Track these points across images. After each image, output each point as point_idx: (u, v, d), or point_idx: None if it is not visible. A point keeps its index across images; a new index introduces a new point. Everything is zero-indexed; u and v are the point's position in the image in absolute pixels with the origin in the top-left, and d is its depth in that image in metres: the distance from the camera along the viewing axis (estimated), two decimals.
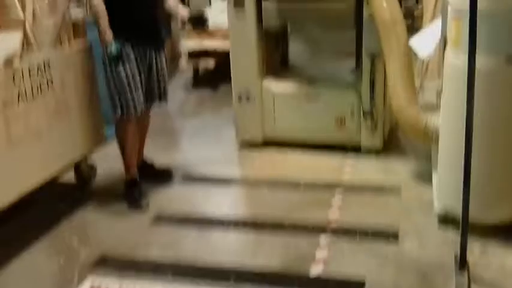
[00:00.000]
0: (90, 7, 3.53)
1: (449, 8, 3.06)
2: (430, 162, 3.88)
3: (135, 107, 3.66)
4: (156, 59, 3.77)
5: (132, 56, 3.60)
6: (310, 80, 4.55)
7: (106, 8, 3.50)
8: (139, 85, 3.66)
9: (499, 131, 2.98)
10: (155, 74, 3.80)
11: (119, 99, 3.62)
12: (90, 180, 4.09)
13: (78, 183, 4.05)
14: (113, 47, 3.49)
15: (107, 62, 3.56)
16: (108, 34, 3.50)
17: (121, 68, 3.56)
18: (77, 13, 4.08)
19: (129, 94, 3.61)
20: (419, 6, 7.54)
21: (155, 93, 3.86)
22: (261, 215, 3.59)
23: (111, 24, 3.52)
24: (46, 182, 3.51)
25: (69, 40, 3.69)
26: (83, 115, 3.79)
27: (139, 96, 3.68)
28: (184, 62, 6.74)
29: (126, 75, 3.59)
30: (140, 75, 3.67)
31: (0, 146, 3.10)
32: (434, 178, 3.53)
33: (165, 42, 4.02)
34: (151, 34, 3.74)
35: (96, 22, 3.52)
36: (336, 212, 3.57)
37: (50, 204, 3.79)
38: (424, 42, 3.86)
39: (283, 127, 4.52)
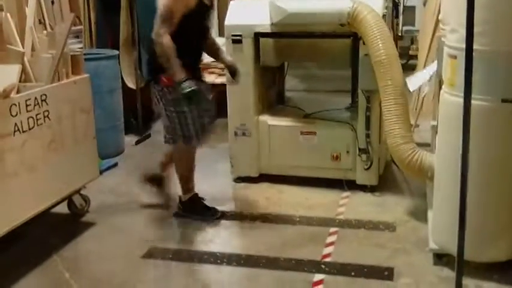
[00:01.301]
0: (159, 47, 3.51)
1: (444, 48, 3.10)
2: (425, 199, 3.89)
3: (197, 141, 3.82)
4: None
5: None
6: (306, 116, 4.58)
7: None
8: (201, 115, 3.77)
9: (494, 169, 2.99)
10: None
11: (183, 133, 3.75)
12: (83, 212, 4.07)
13: (71, 215, 4.02)
14: (187, 85, 3.49)
15: (182, 99, 3.58)
16: (180, 73, 3.51)
17: (186, 108, 3.66)
18: (75, 47, 4.13)
19: (192, 129, 3.74)
20: (415, 46, 7.66)
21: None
22: (255, 250, 3.56)
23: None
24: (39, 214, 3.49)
25: (67, 73, 3.71)
26: (79, 149, 3.79)
27: (202, 127, 3.82)
28: None
29: (190, 110, 3.69)
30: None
31: None
32: (430, 215, 3.53)
33: None
34: (199, 68, 3.91)
35: (166, 61, 3.51)
36: (330, 248, 3.55)
37: (41, 236, 3.75)
38: (417, 79, 3.92)
39: (279, 162, 4.52)
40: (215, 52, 4.02)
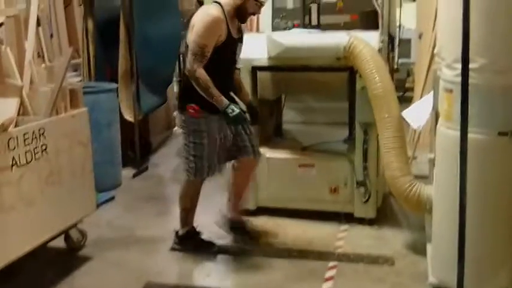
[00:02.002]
0: (195, 81, 3.59)
1: (440, 81, 3.12)
2: (424, 232, 3.86)
3: (208, 172, 3.83)
4: None
5: (215, 124, 3.73)
6: (303, 149, 4.59)
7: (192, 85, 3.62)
8: (216, 150, 3.80)
9: (492, 202, 2.99)
10: (242, 132, 3.91)
11: (195, 164, 3.77)
12: (80, 246, 4.03)
13: (68, 249, 3.98)
14: (234, 108, 3.61)
15: (231, 123, 3.70)
16: (222, 100, 3.61)
17: (205, 140, 3.72)
18: (74, 80, 4.15)
19: (205, 161, 3.76)
20: (411, 79, 7.71)
21: (248, 147, 3.94)
22: (253, 285, 3.53)
23: (198, 99, 3.63)
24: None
25: (65, 107, 3.72)
26: (76, 183, 3.78)
27: (215, 160, 3.83)
28: (179, 128, 6.79)
29: (209, 143, 3.73)
30: (221, 140, 3.80)
31: None
32: (429, 249, 3.50)
33: None
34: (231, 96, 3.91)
35: (205, 92, 3.60)
36: (329, 283, 3.51)
37: (38, 271, 3.71)
38: (417, 114, 3.93)
39: (277, 195, 4.51)
40: (238, 89, 4.05)
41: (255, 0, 3.70)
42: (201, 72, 3.56)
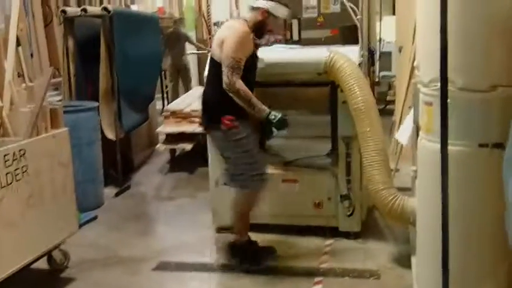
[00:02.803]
0: (236, 94, 3.66)
1: (420, 95, 3.14)
2: (409, 245, 3.87)
3: (266, 171, 3.93)
4: None
5: (250, 127, 3.81)
6: (286, 163, 4.58)
7: (225, 95, 3.68)
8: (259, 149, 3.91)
9: (474, 214, 2.99)
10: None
11: (255, 170, 3.82)
12: (63, 267, 3.98)
13: (51, 271, 3.93)
14: (275, 114, 3.73)
15: (270, 132, 3.84)
16: (264, 108, 3.74)
17: (250, 145, 3.79)
18: (54, 99, 4.12)
19: (260, 162, 3.86)
20: (392, 92, 7.77)
21: None
22: None
23: (233, 108, 3.69)
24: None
25: (46, 127, 3.69)
26: (57, 203, 3.74)
27: (263, 158, 3.94)
28: (161, 145, 6.78)
29: (254, 146, 3.83)
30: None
31: None
32: (413, 261, 3.51)
33: None
34: None
35: (247, 103, 3.69)
36: None
37: None
38: (404, 131, 3.97)
39: (260, 210, 4.47)
40: None
41: (274, 16, 3.83)
42: (241, 84, 3.65)
